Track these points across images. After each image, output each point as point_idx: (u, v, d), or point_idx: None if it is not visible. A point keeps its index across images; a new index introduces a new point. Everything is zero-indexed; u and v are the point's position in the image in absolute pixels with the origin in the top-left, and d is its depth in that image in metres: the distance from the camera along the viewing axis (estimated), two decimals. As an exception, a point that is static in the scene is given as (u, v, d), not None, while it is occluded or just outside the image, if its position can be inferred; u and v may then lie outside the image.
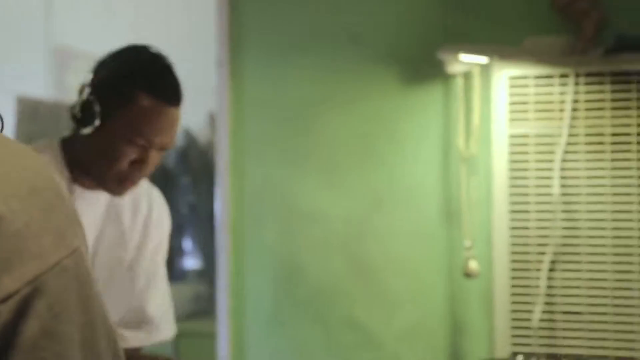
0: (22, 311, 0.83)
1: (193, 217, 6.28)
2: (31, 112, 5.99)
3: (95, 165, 2.17)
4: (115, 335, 0.94)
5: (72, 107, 2.15)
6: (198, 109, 5.82)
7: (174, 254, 6.23)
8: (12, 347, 0.83)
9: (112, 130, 2.12)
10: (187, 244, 6.38)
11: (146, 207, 2.40)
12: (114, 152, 2.13)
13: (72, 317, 0.86)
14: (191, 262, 6.45)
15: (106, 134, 2.13)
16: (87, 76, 2.18)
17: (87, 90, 2.13)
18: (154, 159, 2.17)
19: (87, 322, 0.88)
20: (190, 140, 6.22)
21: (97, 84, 2.13)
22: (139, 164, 2.15)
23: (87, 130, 2.13)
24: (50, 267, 0.85)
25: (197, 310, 5.79)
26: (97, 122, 2.12)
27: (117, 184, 2.18)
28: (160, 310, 2.43)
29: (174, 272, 6.32)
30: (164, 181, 6.13)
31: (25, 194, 0.87)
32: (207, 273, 5.46)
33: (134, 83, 2.12)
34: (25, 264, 0.84)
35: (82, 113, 2.12)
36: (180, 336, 5.52)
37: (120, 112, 2.12)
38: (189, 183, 6.24)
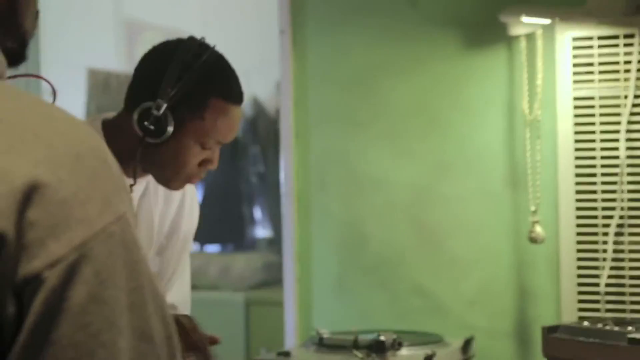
0: (69, 277, 0.84)
1: (262, 187, 6.31)
2: (102, 85, 6.05)
3: (163, 170, 2.17)
4: (163, 300, 0.94)
5: (141, 116, 2.11)
6: (265, 77, 5.83)
7: (245, 223, 6.27)
8: (60, 312, 0.84)
9: (182, 139, 2.12)
10: (257, 213, 6.42)
11: (180, 195, 2.40)
12: (184, 159, 2.13)
13: (118, 282, 0.87)
14: (261, 232, 6.49)
15: (177, 142, 2.12)
16: (148, 81, 2.14)
17: (164, 105, 2.09)
18: (218, 153, 2.20)
19: (134, 287, 0.89)
20: (259, 109, 6.24)
21: (170, 96, 2.10)
22: (207, 163, 2.17)
23: (158, 140, 2.12)
24: (97, 233, 0.86)
25: (268, 278, 5.83)
26: (169, 134, 2.11)
27: (183, 183, 2.20)
28: (181, 298, 2.43)
29: (245, 241, 6.37)
30: (233, 151, 6.17)
31: (72, 161, 0.88)
32: (277, 242, 5.49)
33: (207, 91, 2.13)
34: (72, 230, 0.85)
35: (155, 125, 2.11)
36: (250, 304, 5.59)
37: (193, 120, 2.12)
38: (258, 152, 6.27)
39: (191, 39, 2.18)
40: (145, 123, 2.10)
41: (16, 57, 1.02)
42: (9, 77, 1.04)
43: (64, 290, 0.84)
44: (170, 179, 2.19)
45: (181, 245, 2.43)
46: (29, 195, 0.83)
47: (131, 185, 2.17)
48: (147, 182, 2.27)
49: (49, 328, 0.83)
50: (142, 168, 2.20)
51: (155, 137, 2.11)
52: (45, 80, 1.51)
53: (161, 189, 2.30)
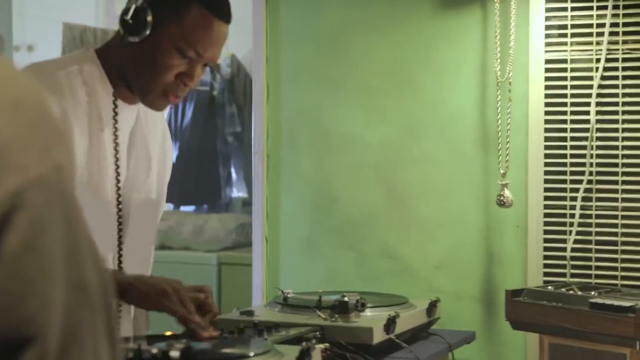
0: (2, 224, 0.81)
1: (239, 147, 6.28)
2: (78, 40, 6.00)
3: (141, 76, 2.16)
4: (99, 253, 0.93)
5: (123, 13, 2.12)
6: (244, 36, 5.79)
7: (220, 183, 6.25)
8: None
9: (162, 41, 2.12)
10: (233, 174, 6.40)
11: (161, 134, 2.39)
12: (162, 63, 2.12)
13: (54, 232, 0.85)
14: (236, 193, 6.48)
15: (155, 45, 2.12)
16: None
17: None
18: (199, 73, 2.18)
19: (70, 237, 0.87)
20: (237, 67, 6.20)
21: None
22: (185, 77, 2.15)
23: (135, 39, 2.12)
24: (33, 181, 0.84)
25: (241, 239, 5.83)
26: (147, 31, 2.11)
27: (161, 97, 2.18)
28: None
29: (220, 202, 6.35)
30: (209, 110, 6.13)
31: (9, 109, 0.85)
32: (251, 203, 5.48)
33: None
34: (7, 177, 0.83)
35: (134, 20, 2.11)
36: (222, 264, 5.58)
37: (172, 22, 2.11)
38: (235, 112, 6.24)
39: None
40: (125, 17, 2.11)
41: None
42: None
43: None
44: (148, 90, 2.16)
45: (164, 187, 2.43)
46: None
47: (114, 108, 2.17)
48: (137, 111, 2.26)
49: None
50: (125, 78, 2.19)
51: (134, 34, 2.11)
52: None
53: (150, 124, 2.29)
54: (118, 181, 2.21)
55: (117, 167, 2.21)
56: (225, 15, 2.17)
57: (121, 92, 2.21)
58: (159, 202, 2.42)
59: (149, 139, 2.32)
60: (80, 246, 0.89)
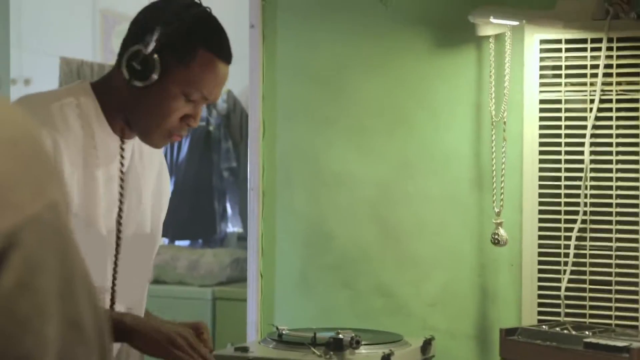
0: None
1: (234, 182, 6.29)
2: (75, 74, 6.02)
3: (145, 118, 2.19)
4: (95, 290, 0.93)
5: (130, 58, 2.14)
6: (240, 72, 5.81)
7: (215, 218, 6.24)
8: None
9: (168, 86, 2.15)
10: (228, 209, 6.40)
11: (157, 169, 2.40)
12: (168, 107, 2.15)
13: (48, 270, 0.86)
14: (231, 228, 6.47)
15: (161, 90, 2.15)
16: (140, 30, 2.17)
17: (152, 44, 2.12)
18: (200, 112, 2.22)
19: (65, 275, 0.88)
20: (233, 103, 6.22)
21: (160, 38, 2.13)
22: (189, 118, 2.19)
23: (141, 84, 2.13)
24: (27, 219, 0.85)
25: (236, 274, 5.82)
26: (155, 78, 2.12)
27: (164, 137, 2.21)
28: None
29: (215, 237, 6.35)
30: (206, 145, 6.14)
31: (4, 146, 0.86)
32: (246, 238, 5.48)
33: (195, 40, 2.15)
34: (1, 215, 0.83)
35: (142, 66, 2.13)
36: (217, 299, 5.57)
37: (179, 68, 2.14)
38: (230, 147, 6.25)
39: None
40: (133, 63, 2.12)
41: None
42: None
43: None
44: (153, 131, 2.19)
45: (160, 224, 2.44)
46: None
47: (121, 146, 2.20)
48: (132, 146, 2.27)
49: None
50: (127, 121, 2.20)
51: (141, 79, 2.13)
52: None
53: (145, 159, 2.30)
54: (120, 217, 2.22)
55: (121, 202, 2.22)
56: (228, 56, 2.22)
57: (116, 127, 2.22)
58: (154, 238, 2.42)
59: (143, 173, 2.33)
60: (75, 284, 0.89)
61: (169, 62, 2.14)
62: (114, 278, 2.23)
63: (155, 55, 2.12)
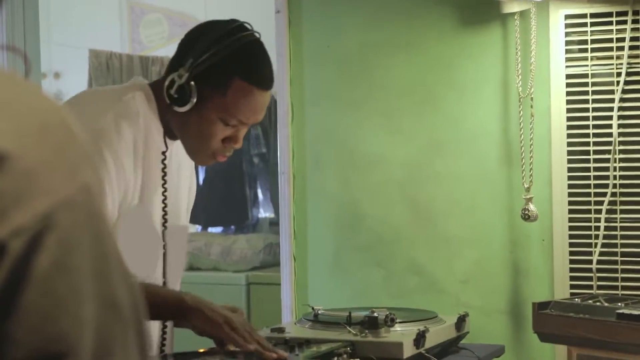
0: (33, 246, 0.84)
1: (264, 168, 6.31)
2: (104, 66, 6.06)
3: (188, 140, 2.24)
4: (128, 269, 0.95)
5: (168, 86, 2.18)
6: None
7: (247, 204, 6.27)
8: (24, 279, 0.84)
9: (206, 112, 2.18)
10: (259, 195, 6.42)
11: (190, 162, 2.44)
12: (207, 132, 2.19)
13: (83, 251, 0.87)
14: (263, 213, 6.50)
15: (199, 116, 2.18)
16: (184, 53, 2.20)
17: (185, 75, 2.16)
18: (244, 133, 2.25)
19: (99, 255, 0.89)
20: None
21: (194, 68, 2.16)
22: (230, 141, 2.22)
23: (181, 109, 2.18)
24: (61, 202, 0.86)
25: (269, 259, 5.85)
26: (192, 102, 2.17)
27: (208, 158, 2.25)
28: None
29: (247, 222, 6.38)
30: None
31: (37, 131, 0.88)
32: (278, 223, 5.52)
33: (230, 69, 2.16)
34: (36, 199, 0.85)
35: (178, 94, 2.17)
36: (251, 284, 5.60)
37: (215, 96, 2.17)
38: (260, 133, 6.27)
39: (233, 20, 2.23)
40: (170, 91, 2.17)
41: None
42: None
43: (28, 259, 0.84)
44: (196, 152, 2.25)
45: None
46: None
47: (163, 152, 2.24)
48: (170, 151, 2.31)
49: (13, 295, 0.83)
50: (174, 135, 2.26)
51: (178, 105, 2.18)
52: (18, 51, 1.52)
53: (180, 151, 2.34)
54: (165, 212, 2.26)
55: (165, 197, 2.26)
56: (266, 84, 2.22)
57: (165, 128, 2.27)
58: (188, 229, 2.48)
59: (181, 168, 2.37)
60: (110, 264, 0.91)
61: (205, 89, 2.17)
62: (164, 270, 2.28)
63: (192, 83, 2.16)
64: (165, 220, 2.26)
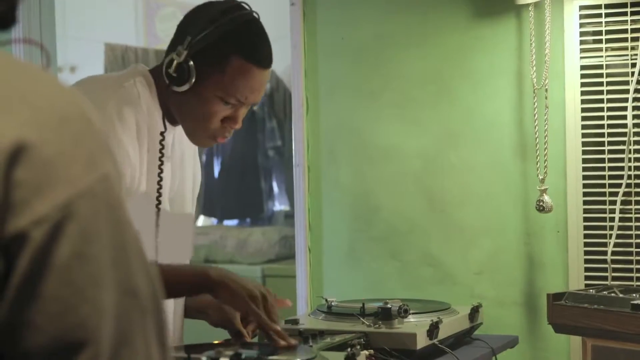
0: (54, 235, 0.86)
1: (279, 160, 6.32)
2: (120, 59, 6.08)
3: (187, 121, 2.24)
4: (147, 258, 0.96)
5: (167, 66, 2.19)
6: (283, 51, 5.83)
7: (262, 197, 6.29)
8: (45, 268, 0.86)
9: (204, 91, 2.18)
10: (274, 187, 6.44)
11: (194, 150, 2.45)
12: (207, 111, 2.19)
13: (102, 239, 0.89)
14: (279, 206, 6.51)
15: (198, 94, 2.19)
16: (182, 34, 2.21)
17: (184, 53, 2.17)
18: (243, 114, 2.25)
19: (118, 244, 0.91)
20: (276, 83, 6.24)
21: (192, 46, 2.17)
22: (230, 121, 2.22)
23: (178, 89, 2.19)
24: (81, 192, 0.88)
25: (285, 251, 5.86)
26: (191, 81, 2.17)
27: (208, 139, 2.26)
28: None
29: (263, 215, 6.39)
30: (250, 125, 6.18)
31: (57, 122, 0.89)
32: (293, 215, 5.53)
33: (229, 47, 2.17)
34: (57, 189, 0.87)
35: (177, 73, 2.18)
36: (267, 276, 5.62)
37: (214, 73, 2.17)
38: (275, 126, 6.28)
39: (230, 0, 2.23)
40: (169, 70, 2.18)
41: (6, 20, 1.00)
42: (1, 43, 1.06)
43: (49, 248, 0.86)
44: (195, 133, 2.25)
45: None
46: (15, 155, 0.85)
47: (162, 133, 2.24)
48: (174, 130, 2.32)
49: (35, 283, 0.85)
50: (174, 117, 2.27)
51: (177, 86, 2.18)
52: (37, 44, 1.53)
53: (184, 139, 2.35)
54: (159, 194, 2.26)
55: (160, 178, 2.27)
56: (265, 61, 2.21)
57: (167, 113, 2.27)
58: (193, 217, 2.48)
59: (184, 156, 2.38)
60: (129, 252, 0.92)
61: (203, 68, 2.17)
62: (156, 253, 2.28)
63: (191, 62, 2.16)
64: (159, 202, 2.26)
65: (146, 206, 2.22)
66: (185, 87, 2.18)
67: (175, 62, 2.17)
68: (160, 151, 2.25)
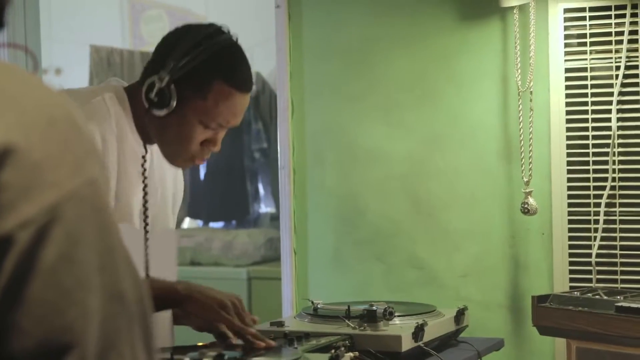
0: (40, 238, 0.85)
1: (265, 163, 6.32)
2: (105, 62, 6.07)
3: (166, 144, 2.24)
4: (133, 262, 0.96)
5: (147, 90, 2.18)
6: (268, 53, 5.84)
7: (248, 199, 6.29)
8: (31, 271, 0.85)
9: (185, 115, 2.18)
10: (260, 190, 6.43)
11: (172, 175, 2.45)
12: (187, 135, 2.19)
13: (89, 243, 0.88)
14: (264, 208, 6.51)
15: (179, 118, 2.18)
16: (162, 58, 2.20)
17: (166, 78, 2.16)
18: (222, 136, 2.25)
19: (105, 248, 0.90)
20: (262, 85, 6.24)
21: (175, 71, 2.16)
22: (209, 143, 2.23)
23: (160, 113, 2.18)
24: (67, 195, 0.87)
25: (270, 254, 5.86)
26: (172, 106, 2.17)
27: (186, 162, 2.27)
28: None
29: (248, 217, 6.39)
30: (237, 128, 6.16)
31: (44, 126, 0.89)
32: (279, 218, 5.54)
33: (211, 72, 2.17)
34: (43, 192, 0.86)
35: (158, 98, 2.17)
36: (252, 279, 5.62)
37: (195, 99, 2.17)
38: (261, 128, 6.27)
39: (211, 24, 2.24)
40: (150, 95, 2.17)
41: None
42: None
43: (35, 251, 0.85)
44: (174, 155, 2.25)
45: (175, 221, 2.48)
46: (2, 158, 0.85)
47: (143, 157, 2.24)
48: (152, 148, 2.32)
49: (21, 286, 0.85)
50: (152, 139, 2.26)
51: (158, 110, 2.18)
52: (22, 47, 1.53)
53: (163, 165, 2.34)
54: (146, 217, 2.26)
55: (145, 200, 2.26)
56: (247, 86, 2.23)
57: (140, 130, 2.27)
58: (175, 232, 2.49)
59: (163, 173, 2.38)
60: (115, 256, 0.92)
61: (185, 92, 2.17)
62: (147, 274, 2.28)
63: (172, 86, 2.16)
64: (147, 224, 2.27)
65: (120, 223, 2.21)
66: (165, 112, 2.18)
67: (156, 87, 2.17)
68: (143, 174, 2.25)
